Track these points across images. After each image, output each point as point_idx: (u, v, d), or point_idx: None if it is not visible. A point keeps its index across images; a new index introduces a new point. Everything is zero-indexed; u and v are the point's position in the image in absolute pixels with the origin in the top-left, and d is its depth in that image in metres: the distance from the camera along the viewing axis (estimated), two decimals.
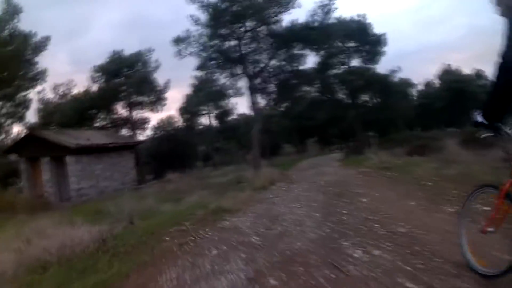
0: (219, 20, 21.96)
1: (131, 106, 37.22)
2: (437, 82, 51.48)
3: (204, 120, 48.77)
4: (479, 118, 2.91)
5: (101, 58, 35.77)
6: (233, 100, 45.85)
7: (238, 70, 25.02)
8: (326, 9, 25.06)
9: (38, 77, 28.81)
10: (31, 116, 34.64)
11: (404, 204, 7.24)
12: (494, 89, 2.77)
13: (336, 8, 26.26)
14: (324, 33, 23.56)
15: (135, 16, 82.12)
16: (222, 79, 27.39)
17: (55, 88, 37.27)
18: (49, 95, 37.39)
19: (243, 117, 49.93)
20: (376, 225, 5.77)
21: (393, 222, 5.79)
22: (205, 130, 48.45)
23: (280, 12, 22.63)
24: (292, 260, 4.47)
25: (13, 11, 24.76)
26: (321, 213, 7.27)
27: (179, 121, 47.61)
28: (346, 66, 36.09)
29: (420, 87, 50.93)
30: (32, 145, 23.06)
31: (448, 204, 6.40)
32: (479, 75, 46.01)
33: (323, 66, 34.62)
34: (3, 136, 31.89)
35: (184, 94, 47.76)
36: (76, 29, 75.45)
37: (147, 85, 36.35)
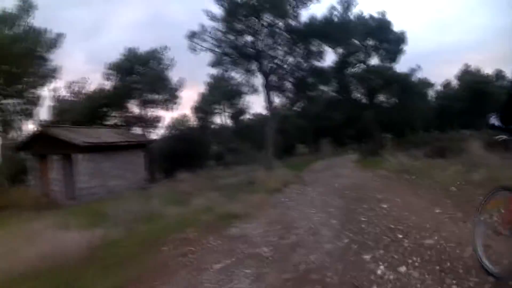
0: (234, 15, 21.21)
1: (144, 104, 36.75)
2: (456, 83, 50.70)
3: (218, 120, 48.42)
4: (495, 121, 3.02)
5: (118, 57, 35.24)
6: (248, 99, 45.45)
7: (253, 66, 24.10)
8: (346, 4, 24.33)
9: (51, 74, 28.54)
10: (45, 113, 34.56)
11: (428, 211, 6.59)
12: (509, 95, 2.89)
13: (357, 4, 25.61)
14: (343, 30, 22.75)
15: (153, 16, 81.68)
16: (237, 75, 26.67)
17: (69, 85, 37.07)
18: (64, 92, 37.10)
19: (258, 116, 49.43)
20: (399, 235, 5.19)
21: (419, 232, 5.21)
22: (219, 130, 48.01)
23: (298, 7, 21.74)
24: (306, 278, 3.91)
25: (27, 8, 24.50)
26: (338, 220, 6.69)
27: (193, 120, 47.21)
28: (365, 65, 35.01)
29: (439, 88, 49.95)
30: (42, 142, 22.65)
31: (496, 224, 5.73)
32: (499, 76, 44.98)
33: (341, 64, 33.71)
34: (15, 133, 31.76)
35: (198, 93, 47.37)
36: (95, 29, 75.48)
37: (161, 83, 35.76)
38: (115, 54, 35.54)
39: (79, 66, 63.45)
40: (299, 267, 4.24)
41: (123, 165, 23.76)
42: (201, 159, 38.15)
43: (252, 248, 5.28)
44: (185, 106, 58.80)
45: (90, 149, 21.30)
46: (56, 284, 4.47)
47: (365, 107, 37.47)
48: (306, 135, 50.76)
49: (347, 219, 6.72)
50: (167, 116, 55.14)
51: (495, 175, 8.23)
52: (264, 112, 30.22)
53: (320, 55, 23.52)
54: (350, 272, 3.88)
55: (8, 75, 25.28)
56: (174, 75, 37.91)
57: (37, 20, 25.14)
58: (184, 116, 46.07)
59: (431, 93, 47.43)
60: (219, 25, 21.96)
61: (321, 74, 25.69)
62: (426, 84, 40.54)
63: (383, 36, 33.22)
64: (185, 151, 34.71)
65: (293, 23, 21.84)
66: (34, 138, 23.74)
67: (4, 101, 28.14)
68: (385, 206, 7.48)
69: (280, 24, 21.88)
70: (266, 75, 22.68)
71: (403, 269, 3.79)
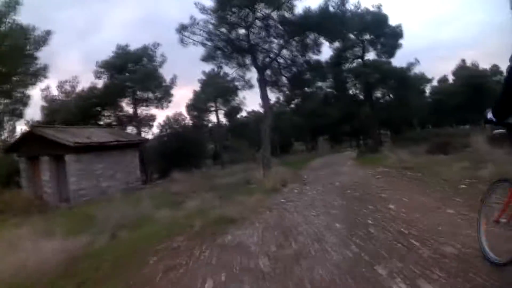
0: (227, 6, 20.33)
1: (137, 102, 36.09)
2: (451, 79, 50.53)
3: (213, 118, 47.69)
4: (490, 116, 3.03)
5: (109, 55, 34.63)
6: (243, 96, 44.82)
7: (247, 60, 23.37)
8: None
9: (40, 73, 27.76)
10: (36, 114, 33.99)
11: (441, 212, 6.00)
12: (505, 88, 2.82)
13: None
14: (340, 22, 21.95)
15: (148, 14, 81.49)
16: (230, 70, 25.78)
17: (60, 85, 36.38)
18: (55, 92, 36.49)
19: (253, 114, 49.06)
20: (415, 242, 4.56)
21: (436, 237, 4.58)
22: (214, 128, 47.47)
23: None
24: None
25: (14, 4, 23.74)
26: (343, 224, 6.08)
27: (187, 119, 46.40)
28: (361, 60, 34.47)
29: (434, 83, 49.52)
30: (32, 143, 22.05)
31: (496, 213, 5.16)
32: (496, 71, 44.70)
33: (337, 59, 33.22)
34: (5, 134, 31.13)
35: (192, 91, 46.69)
36: (89, 28, 75.33)
37: (152, 81, 35.02)
38: (109, 53, 34.67)
39: (75, 66, 63.12)
40: (304, 283, 3.63)
41: (116, 165, 23.23)
42: (196, 158, 37.64)
43: (249, 260, 4.64)
44: (180, 104, 58.34)
45: (81, 150, 20.81)
46: None
47: (362, 103, 37.14)
48: (302, 132, 50.49)
49: (353, 222, 6.12)
50: (161, 115, 54.54)
51: (503, 171, 7.63)
52: (259, 109, 29.45)
53: (316, 48, 22.83)
54: None
55: None
56: (168, 73, 37.43)
57: (31, 20, 24.54)
58: (179, 114, 45.19)
59: (427, 88, 47.41)
60: (211, 18, 21.19)
61: (318, 68, 24.98)
62: (423, 79, 40.05)
63: (380, 30, 32.69)
64: (180, 150, 34.19)
65: (288, 15, 21.08)
66: (24, 139, 23.21)
67: None
68: (392, 206, 6.90)
69: (275, 16, 21.11)
70: (260, 69, 21.84)
71: (426, 286, 3.21)
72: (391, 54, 34.08)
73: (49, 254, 5.39)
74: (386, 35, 33.08)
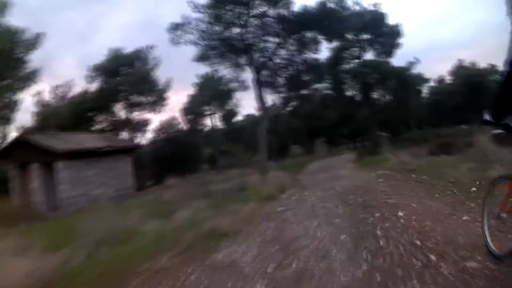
0: (221, 4, 19.80)
1: (131, 107, 35.46)
2: (449, 79, 50.13)
3: (209, 121, 47.16)
4: (488, 117, 3.05)
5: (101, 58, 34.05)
6: (239, 100, 44.41)
7: (243, 60, 22.64)
8: None
9: (31, 77, 27.09)
10: (28, 119, 33.40)
11: (456, 220, 5.48)
12: (501, 89, 2.93)
13: None
14: (338, 19, 21.36)
15: (148, 18, 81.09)
16: (224, 71, 25.31)
17: (53, 90, 35.75)
18: (48, 97, 35.92)
19: (249, 118, 48.55)
20: (432, 256, 3.98)
21: (456, 250, 4.04)
22: (210, 132, 46.90)
23: None
24: None
25: (2, 6, 23.14)
26: (348, 235, 5.45)
27: (182, 123, 45.71)
28: (360, 60, 33.95)
29: (432, 84, 49.19)
30: (22, 150, 21.38)
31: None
32: (493, 70, 44.39)
33: (335, 60, 32.68)
34: None
35: (187, 94, 46.12)
36: (87, 32, 74.76)
37: (146, 84, 34.46)
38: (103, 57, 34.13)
39: (72, 71, 62.76)
40: None
41: (108, 172, 22.58)
42: (192, 163, 37.11)
43: (243, 282, 3.98)
44: (176, 109, 57.94)
45: (71, 156, 20.17)
46: None
47: (360, 105, 36.66)
48: (299, 135, 49.97)
49: (360, 233, 5.50)
50: (155, 119, 54.11)
51: None
52: (256, 113, 28.65)
53: (314, 46, 22.20)
54: None
55: None
56: (163, 77, 36.78)
57: (28, 24, 23.97)
58: (173, 118, 44.48)
59: (425, 89, 46.96)
60: (204, 16, 20.59)
61: (315, 68, 24.34)
62: (421, 79, 39.56)
63: (378, 30, 32.24)
64: (175, 156, 33.72)
65: (285, 12, 20.46)
66: (14, 145, 22.56)
67: None
68: (400, 214, 6.31)
69: (271, 13, 20.49)
70: (256, 69, 21.27)
71: None
72: (390, 54, 33.64)
73: (18, 276, 4.72)
74: (385, 35, 32.65)
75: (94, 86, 34.32)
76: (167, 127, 42.75)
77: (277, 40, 21.56)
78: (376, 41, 33.21)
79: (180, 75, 78.55)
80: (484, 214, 4.03)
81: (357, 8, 30.39)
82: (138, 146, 31.39)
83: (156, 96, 36.09)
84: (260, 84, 21.35)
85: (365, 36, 33.23)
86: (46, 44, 26.09)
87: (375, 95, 36.56)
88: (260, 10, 20.09)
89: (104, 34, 75.21)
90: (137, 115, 37.02)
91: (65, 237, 8.26)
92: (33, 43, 25.35)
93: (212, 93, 40.81)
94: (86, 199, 20.13)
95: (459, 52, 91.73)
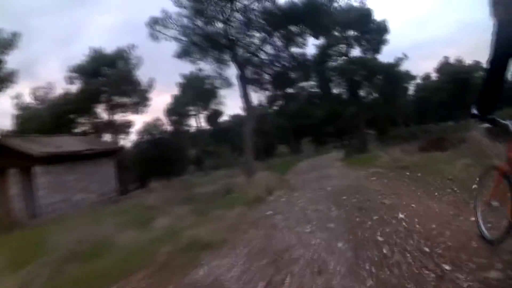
0: None
1: (113, 108, 34.70)
2: (435, 76, 50.88)
3: (193, 122, 46.47)
4: (474, 111, 3.34)
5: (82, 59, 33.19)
6: (224, 101, 43.90)
7: (226, 56, 21.82)
8: None
9: (7, 79, 26.12)
10: (7, 123, 32.55)
11: (463, 221, 4.93)
12: (485, 85, 3.29)
13: None
14: (326, 13, 20.73)
15: (130, 20, 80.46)
16: (207, 67, 23.94)
17: (34, 91, 34.76)
18: (28, 99, 35.14)
19: (235, 118, 48.09)
20: (446, 266, 3.46)
21: (470, 257, 3.57)
22: (195, 133, 46.24)
23: None
24: None
25: None
26: (347, 243, 4.83)
27: (166, 124, 44.99)
28: (346, 57, 33.48)
29: (418, 81, 49.63)
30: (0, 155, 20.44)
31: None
32: (478, 67, 44.73)
33: (322, 57, 32.13)
34: None
35: (171, 95, 45.36)
36: (70, 35, 73.85)
37: (128, 85, 33.73)
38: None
39: (56, 74, 61.75)
40: None
41: (90, 176, 21.83)
42: (177, 165, 36.43)
43: None
44: (158, 110, 57.35)
45: (50, 161, 19.36)
46: None
47: (347, 103, 36.33)
48: (286, 134, 49.68)
49: (359, 240, 4.89)
50: (138, 121, 53.32)
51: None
52: (242, 112, 27.84)
53: (301, 40, 21.53)
54: None
55: None
56: (145, 77, 36.07)
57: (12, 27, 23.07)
58: (157, 120, 43.64)
59: (411, 86, 47.18)
60: (185, 11, 19.76)
61: (302, 64, 23.63)
62: (409, 76, 39.38)
63: (365, 26, 31.84)
64: (160, 158, 33.10)
65: (270, 5, 19.73)
66: None
67: None
68: (401, 216, 5.72)
69: (256, 7, 19.77)
70: (241, 65, 20.47)
71: None
72: (377, 50, 33.33)
73: None
74: (371, 31, 32.30)
75: (75, 88, 33.52)
76: (151, 129, 41.94)
77: (262, 35, 20.83)
78: (362, 38, 32.85)
79: (164, 76, 78.15)
80: (477, 203, 4.30)
81: (344, 3, 29.95)
82: (121, 149, 30.57)
83: (138, 96, 35.42)
84: (245, 81, 20.55)
85: (352, 33, 32.85)
86: (30, 47, 25.26)
87: (362, 92, 36.14)
88: (244, 3, 19.37)
89: (89, 36, 74.80)
90: (119, 116, 36.34)
91: (34, 251, 7.54)
92: (9, 43, 24.42)
93: (196, 93, 40.24)
94: (67, 205, 19.43)
95: (443, 50, 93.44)
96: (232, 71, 22.58)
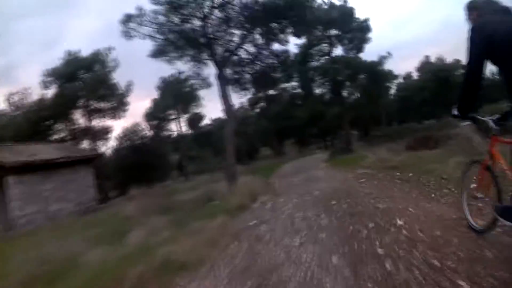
0: None
1: (90, 113, 33.79)
2: (416, 75, 51.29)
3: (174, 127, 45.63)
4: (455, 111, 3.58)
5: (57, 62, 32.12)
6: (205, 104, 43.27)
7: (205, 55, 20.91)
8: None
9: None
10: None
11: (466, 225, 4.34)
12: (464, 87, 3.39)
13: None
14: (306, 9, 20.11)
15: (113, 25, 79.53)
16: (184, 66, 22.97)
17: (8, 97, 33.55)
18: (2, 106, 33.75)
19: (217, 121, 47.49)
20: (463, 282, 2.96)
21: (489, 271, 3.05)
22: (177, 138, 45.46)
23: None
24: None
25: None
26: (341, 257, 4.23)
27: (146, 129, 43.88)
28: (329, 56, 32.95)
29: (399, 80, 49.44)
30: None
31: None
32: (459, 65, 45.12)
33: (304, 57, 31.53)
34: None
35: (151, 99, 44.47)
36: (51, 40, 72.69)
37: (106, 89, 32.88)
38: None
39: (35, 79, 60.64)
40: None
41: (66, 185, 21.00)
42: (158, 171, 35.66)
43: None
44: (138, 115, 56.48)
45: (24, 170, 18.55)
46: None
47: (329, 103, 35.99)
48: (269, 136, 49.33)
49: (356, 253, 4.27)
50: (117, 126, 52.44)
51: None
52: (223, 115, 26.99)
53: (283, 38, 20.87)
54: None
55: None
56: (123, 81, 35.28)
57: None
58: (137, 125, 42.64)
59: (393, 86, 47.37)
60: (161, 8, 18.81)
61: (284, 62, 22.92)
62: (390, 76, 39.27)
63: (347, 26, 31.46)
64: (140, 164, 32.35)
65: (250, 1, 18.97)
66: None
67: None
68: (400, 222, 5.14)
69: (235, 3, 18.88)
70: (219, 65, 19.63)
71: None
72: (360, 49, 32.95)
73: None
74: (354, 30, 31.91)
75: (50, 93, 32.50)
76: (130, 134, 40.99)
77: (242, 32, 20.03)
78: (345, 37, 32.45)
79: (144, 80, 77.23)
80: (463, 196, 4.52)
81: (326, 2, 29.47)
82: (99, 155, 29.60)
83: (116, 101, 34.57)
84: (224, 81, 19.62)
85: (334, 32, 32.39)
86: (10, 52, 24.32)
87: (345, 92, 35.77)
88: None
89: (72, 40, 73.99)
90: (97, 122, 35.48)
91: None
92: None
93: (176, 97, 39.43)
94: (42, 217, 18.61)
95: (423, 50, 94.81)
96: (211, 71, 21.92)
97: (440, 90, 39.40)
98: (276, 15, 18.81)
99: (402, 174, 9.83)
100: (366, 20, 32.28)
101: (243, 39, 20.14)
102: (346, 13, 31.23)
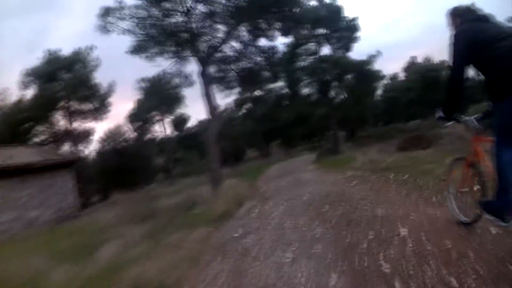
0: None
1: (72, 115, 32.98)
2: (403, 76, 51.93)
3: (158, 129, 44.89)
4: (440, 114, 3.87)
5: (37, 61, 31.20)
6: (190, 105, 42.65)
7: (187, 52, 20.03)
8: None
9: None
10: None
11: (481, 234, 4.00)
12: (447, 91, 3.61)
13: None
14: (293, 4, 19.45)
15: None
16: (164, 63, 21.64)
17: None
18: None
19: (203, 123, 47.00)
20: None
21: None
22: (162, 140, 44.76)
23: None
24: None
25: None
26: (341, 277, 3.61)
27: (130, 131, 43.19)
28: (316, 56, 32.35)
29: (386, 81, 49.47)
30: None
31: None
32: (446, 65, 45.49)
33: (291, 56, 30.86)
34: None
35: (134, 100, 43.51)
36: (35, 41, 71.42)
37: (87, 89, 32.05)
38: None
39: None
40: None
41: (45, 190, 20.09)
42: (142, 174, 34.95)
43: None
44: (121, 117, 55.74)
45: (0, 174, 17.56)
46: None
47: (316, 104, 35.59)
48: (255, 138, 49.07)
49: (358, 272, 3.64)
50: (99, 129, 51.69)
51: None
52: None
53: (269, 34, 20.15)
54: None
55: None
56: (105, 82, 34.50)
57: None
58: (120, 127, 41.83)
59: (380, 86, 47.55)
60: (142, 1, 17.95)
61: (270, 59, 22.17)
62: (379, 76, 39.02)
63: (335, 24, 31.03)
64: (123, 167, 31.61)
65: None
66: None
67: None
68: (404, 232, 4.55)
69: None
70: (202, 61, 18.86)
71: None
72: (348, 48, 32.65)
73: None
74: (342, 29, 31.53)
75: (30, 94, 31.58)
76: (113, 137, 40.15)
77: (226, 28, 19.25)
78: (333, 36, 31.98)
79: (128, 81, 76.32)
80: (448, 191, 4.70)
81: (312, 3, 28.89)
82: (80, 159, 28.72)
83: (98, 102, 33.81)
84: (207, 79, 18.76)
85: (322, 31, 31.80)
86: None
87: (332, 92, 35.32)
88: None
89: (54, 41, 72.97)
90: (79, 124, 34.71)
91: None
92: None
93: (160, 97, 38.64)
94: (19, 225, 17.67)
95: (408, 52, 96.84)
96: (194, 68, 21.20)
97: (427, 90, 39.37)
98: (263, 9, 18.09)
99: (396, 176, 9.35)
100: (354, 19, 31.98)
101: (228, 34, 19.27)
102: (334, 11, 30.78)
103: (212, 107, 18.94)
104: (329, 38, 32.11)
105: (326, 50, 33.00)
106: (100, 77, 33.27)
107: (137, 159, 34.78)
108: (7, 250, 8.91)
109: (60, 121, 33.45)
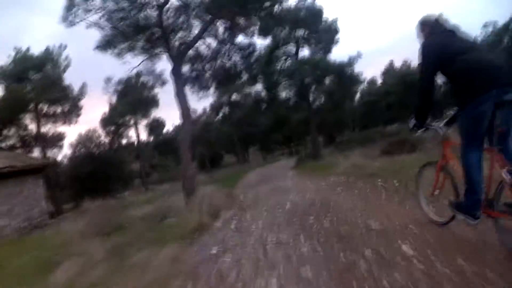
0: None
1: (41, 118, 31.70)
2: (381, 80, 52.28)
3: (133, 133, 43.74)
4: (413, 122, 4.09)
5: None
6: (167, 111, 41.93)
7: (159, 49, 18.91)
8: None
9: None
10: None
11: (493, 247, 3.57)
12: (418, 101, 3.89)
13: None
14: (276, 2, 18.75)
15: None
16: (134, 60, 20.94)
17: None
18: None
19: (178, 128, 46.25)
20: None
21: None
22: (138, 145, 43.72)
23: None
24: None
25: None
26: None
27: (103, 136, 41.96)
28: (296, 58, 31.67)
29: (363, 87, 49.90)
30: None
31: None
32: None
33: (268, 58, 30.07)
34: None
35: (108, 103, 42.17)
36: (13, 41, 69.93)
37: (58, 91, 30.76)
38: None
39: None
40: None
41: (11, 198, 19.09)
42: (116, 181, 33.94)
43: None
44: (95, 120, 54.66)
45: None
46: None
47: (295, 108, 35.09)
48: (232, 143, 48.55)
49: None
50: (72, 133, 50.76)
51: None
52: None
53: (248, 30, 19.39)
54: None
55: None
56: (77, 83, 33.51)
57: None
58: (93, 131, 40.61)
59: (358, 91, 48.12)
60: None
61: (248, 57, 21.40)
62: (359, 80, 38.81)
63: (315, 26, 30.48)
64: (97, 173, 30.54)
65: None
66: None
67: None
68: (407, 249, 3.91)
69: None
70: (175, 59, 17.64)
71: None
72: (328, 50, 32.07)
73: None
74: (321, 31, 30.95)
75: None
76: (86, 142, 38.95)
77: (202, 23, 18.38)
78: (312, 37, 31.39)
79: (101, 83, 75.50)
80: (420, 195, 5.03)
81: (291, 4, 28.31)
82: (51, 165, 27.59)
83: (70, 104, 32.73)
84: (180, 77, 17.71)
85: (301, 32, 31.21)
86: None
87: (311, 97, 34.61)
88: None
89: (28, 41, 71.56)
90: (50, 128, 33.67)
91: None
92: None
93: (134, 101, 37.55)
94: None
95: (381, 58, 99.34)
96: (166, 66, 20.32)
97: (407, 94, 39.34)
98: (242, 3, 17.22)
99: (385, 182, 8.73)
100: (334, 21, 31.65)
101: (204, 31, 18.34)
102: (314, 13, 30.24)
103: (185, 107, 17.64)
104: (309, 39, 31.59)
105: (305, 52, 32.68)
106: (72, 78, 32.22)
107: (111, 165, 33.76)
108: None
109: (30, 124, 32.18)
